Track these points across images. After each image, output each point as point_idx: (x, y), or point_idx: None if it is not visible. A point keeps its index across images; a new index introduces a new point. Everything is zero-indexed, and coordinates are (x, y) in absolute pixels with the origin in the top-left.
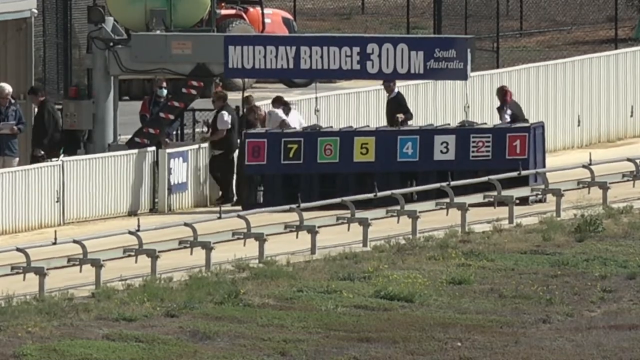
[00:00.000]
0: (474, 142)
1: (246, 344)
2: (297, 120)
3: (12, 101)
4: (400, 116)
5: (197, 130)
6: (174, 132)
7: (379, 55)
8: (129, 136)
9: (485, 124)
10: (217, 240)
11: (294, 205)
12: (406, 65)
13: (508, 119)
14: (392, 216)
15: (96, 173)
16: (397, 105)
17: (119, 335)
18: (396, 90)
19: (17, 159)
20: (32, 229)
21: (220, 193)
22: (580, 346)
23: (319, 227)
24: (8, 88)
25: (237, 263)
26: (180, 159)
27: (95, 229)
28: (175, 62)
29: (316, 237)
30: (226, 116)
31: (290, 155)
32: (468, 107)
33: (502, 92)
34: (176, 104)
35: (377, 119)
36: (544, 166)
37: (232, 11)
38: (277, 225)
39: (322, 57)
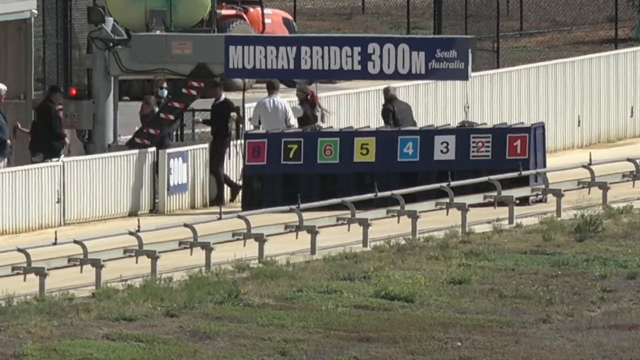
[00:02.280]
0: (474, 142)
1: (246, 344)
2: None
3: None
4: (234, 115)
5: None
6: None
7: (380, 56)
8: (129, 136)
9: (485, 124)
10: (217, 241)
11: (293, 206)
12: (407, 65)
13: (299, 114)
14: (392, 216)
15: (96, 173)
16: (226, 110)
17: (119, 335)
18: (223, 95)
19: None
20: (32, 229)
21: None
22: (580, 346)
23: (319, 227)
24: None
25: (237, 263)
26: (180, 159)
27: (96, 230)
28: (175, 62)
29: (316, 237)
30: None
31: (290, 155)
32: (468, 107)
33: (304, 93)
34: (176, 104)
35: (377, 119)
36: (544, 166)
37: (232, 11)
38: (277, 226)
39: (322, 57)
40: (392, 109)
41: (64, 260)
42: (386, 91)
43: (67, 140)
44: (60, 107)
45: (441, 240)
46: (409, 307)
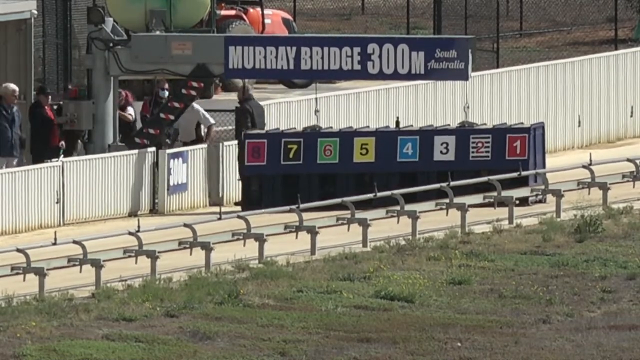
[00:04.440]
0: (473, 142)
1: (246, 344)
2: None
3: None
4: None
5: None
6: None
7: (380, 56)
8: None
9: (485, 124)
10: (216, 241)
11: (293, 206)
12: (407, 65)
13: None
14: (392, 216)
15: (96, 173)
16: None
17: (118, 336)
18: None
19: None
20: (32, 230)
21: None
22: (580, 346)
23: (319, 227)
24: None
25: (237, 263)
26: (180, 159)
27: (95, 230)
28: (175, 62)
29: (316, 238)
30: None
31: (290, 155)
32: (468, 107)
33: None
34: (176, 104)
35: (377, 119)
36: (544, 167)
37: (232, 12)
38: (277, 226)
39: (322, 57)
40: (250, 109)
41: (63, 261)
42: (246, 90)
43: (62, 143)
44: (59, 107)
45: (441, 241)
46: (408, 307)
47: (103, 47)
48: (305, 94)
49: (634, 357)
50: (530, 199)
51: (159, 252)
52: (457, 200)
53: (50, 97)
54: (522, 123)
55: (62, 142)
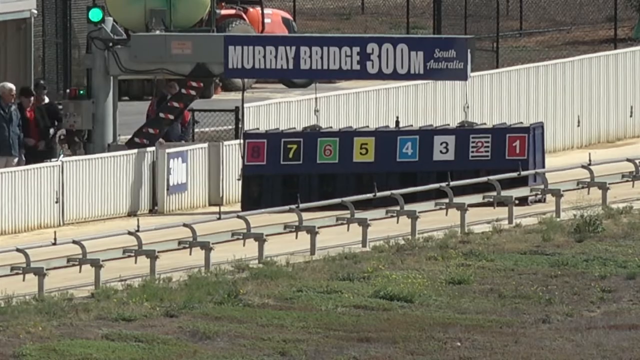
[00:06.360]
0: (473, 142)
1: (246, 344)
2: None
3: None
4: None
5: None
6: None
7: (379, 56)
8: (129, 136)
9: (485, 124)
10: (216, 241)
11: (293, 206)
12: (406, 65)
13: None
14: (391, 216)
15: (96, 173)
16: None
17: (118, 335)
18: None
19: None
20: (31, 230)
21: None
22: (580, 346)
23: (318, 227)
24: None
25: (236, 263)
26: (180, 159)
27: (95, 230)
28: (175, 62)
29: (316, 238)
30: None
31: (290, 155)
32: (468, 107)
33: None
34: (176, 104)
35: (377, 119)
36: (543, 166)
37: (232, 11)
38: (277, 226)
39: (322, 57)
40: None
41: (63, 261)
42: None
43: (35, 143)
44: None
45: (440, 241)
46: (408, 307)
47: (103, 47)
48: (305, 94)
49: (634, 357)
50: (529, 198)
51: (158, 252)
52: (457, 200)
53: (32, 98)
54: (521, 123)
55: (41, 143)
